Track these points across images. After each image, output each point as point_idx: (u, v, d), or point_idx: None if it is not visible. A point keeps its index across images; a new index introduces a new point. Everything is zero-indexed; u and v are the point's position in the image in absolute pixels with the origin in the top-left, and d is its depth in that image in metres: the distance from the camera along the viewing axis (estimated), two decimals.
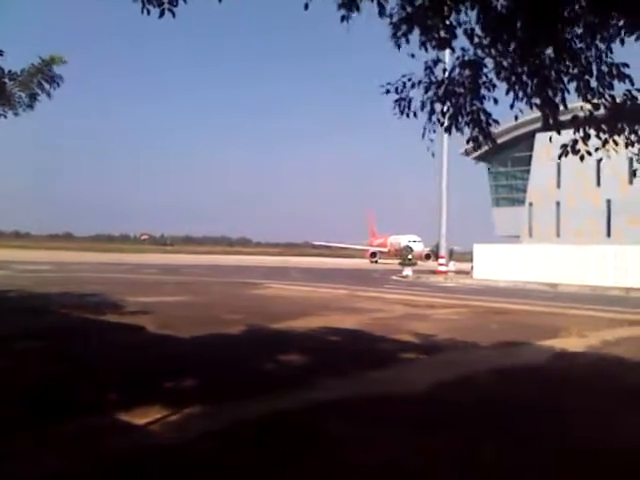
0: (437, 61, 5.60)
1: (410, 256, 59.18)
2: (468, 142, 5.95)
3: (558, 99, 5.41)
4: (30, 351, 9.38)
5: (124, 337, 11.26)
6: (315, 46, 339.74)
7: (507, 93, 5.47)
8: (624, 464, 5.12)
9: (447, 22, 5.25)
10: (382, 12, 5.12)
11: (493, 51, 5.40)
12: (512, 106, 5.49)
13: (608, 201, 42.12)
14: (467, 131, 5.87)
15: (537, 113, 5.72)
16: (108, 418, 5.87)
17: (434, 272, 43.89)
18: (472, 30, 5.28)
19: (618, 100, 5.37)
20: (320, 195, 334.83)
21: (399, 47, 5.35)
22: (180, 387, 7.38)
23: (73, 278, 28.17)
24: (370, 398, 7.00)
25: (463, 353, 10.68)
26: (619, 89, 5.34)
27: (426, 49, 5.33)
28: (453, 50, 5.54)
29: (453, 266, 46.41)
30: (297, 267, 52.76)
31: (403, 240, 73.75)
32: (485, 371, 8.83)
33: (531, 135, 44.49)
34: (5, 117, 9.03)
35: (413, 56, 5.42)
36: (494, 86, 5.60)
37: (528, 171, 48.81)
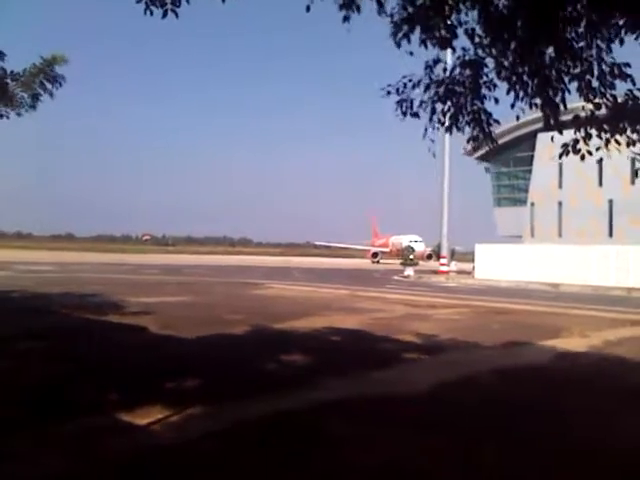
0: (437, 60, 5.60)
1: (412, 256, 59.03)
2: (469, 142, 5.95)
3: (559, 99, 5.40)
4: (32, 351, 9.39)
5: (126, 337, 11.27)
6: (317, 46, 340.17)
7: (508, 93, 5.47)
8: (625, 464, 5.12)
9: (448, 22, 5.25)
10: (381, 11, 5.12)
11: (494, 51, 5.39)
12: (513, 106, 5.49)
13: (610, 201, 42.11)
14: (468, 131, 5.87)
15: (539, 113, 5.72)
16: (109, 418, 5.87)
17: (436, 272, 43.86)
18: (473, 30, 5.28)
19: (619, 100, 5.36)
20: (321, 195, 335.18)
21: (399, 46, 5.35)
22: (182, 387, 7.38)
23: (75, 278, 28.20)
24: (372, 398, 7.00)
25: (465, 353, 10.67)
26: (620, 89, 5.34)
27: (426, 46, 5.33)
28: (454, 50, 5.54)
29: (455, 266, 46.37)
30: (298, 267, 52.76)
31: (404, 240, 73.70)
32: (487, 371, 8.82)
33: (533, 135, 44.50)
34: (7, 118, 9.03)
35: (412, 54, 5.42)
36: (495, 86, 5.60)
37: (530, 171, 48.81)
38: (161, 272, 37.44)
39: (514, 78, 5.41)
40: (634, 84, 5.23)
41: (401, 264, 52.68)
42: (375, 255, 79.17)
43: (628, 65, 5.19)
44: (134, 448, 5.10)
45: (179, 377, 7.75)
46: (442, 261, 45.23)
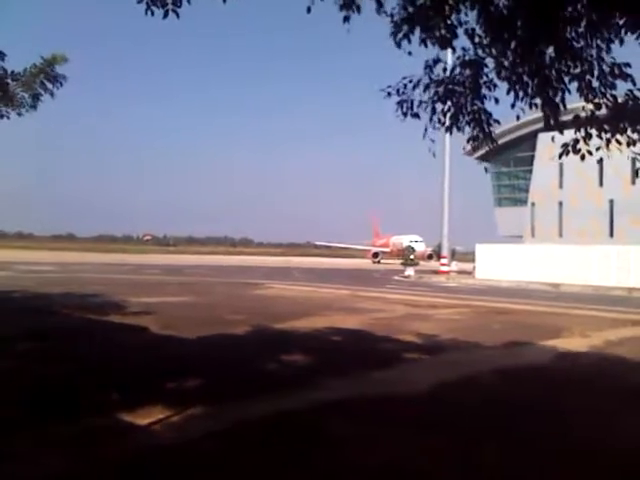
0: (437, 60, 5.60)
1: (412, 256, 58.94)
2: (469, 142, 5.95)
3: (558, 99, 5.41)
4: (33, 351, 9.40)
5: (127, 337, 11.27)
6: (318, 46, 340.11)
7: (508, 93, 5.47)
8: (626, 465, 5.12)
9: (448, 21, 5.25)
10: (380, 10, 5.12)
11: (494, 51, 5.39)
12: (513, 106, 5.50)
13: (611, 201, 42.11)
14: (468, 131, 5.87)
15: (539, 113, 5.72)
16: (110, 418, 5.87)
17: (436, 272, 43.85)
18: (473, 30, 5.29)
19: (620, 100, 5.36)
20: (322, 195, 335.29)
21: (399, 46, 5.35)
22: (183, 387, 7.38)
23: (76, 278, 28.21)
24: (373, 398, 7.00)
25: (466, 353, 10.67)
26: (620, 89, 5.34)
27: (426, 45, 5.33)
28: (454, 50, 5.54)
29: (455, 266, 46.36)
30: (299, 267, 52.77)
31: (405, 240, 73.56)
32: (488, 371, 8.82)
33: (533, 135, 44.53)
34: (8, 118, 9.03)
35: (410, 54, 5.42)
36: (495, 86, 5.60)
37: (530, 171, 48.82)
38: (162, 272, 37.45)
39: (514, 78, 5.41)
40: (634, 84, 5.23)
41: (402, 264, 52.62)
42: (376, 255, 79.12)
43: (628, 65, 5.19)
44: (135, 448, 5.10)
45: (180, 377, 7.76)
46: (443, 261, 45.22)
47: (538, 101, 5.50)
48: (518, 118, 5.78)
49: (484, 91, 5.64)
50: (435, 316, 16.55)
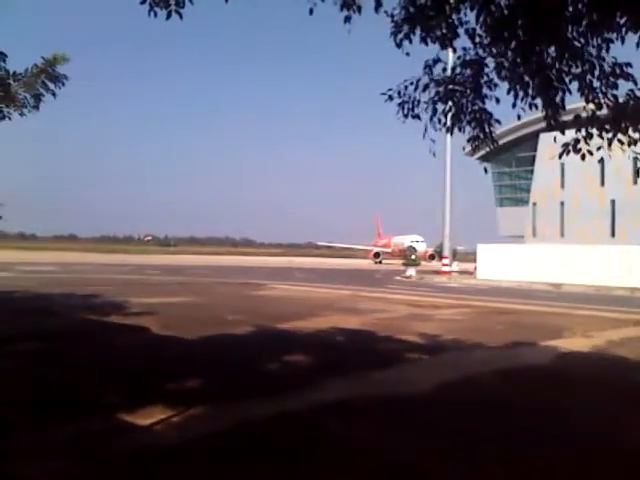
0: (437, 60, 5.58)
1: (413, 256, 59.02)
2: (469, 142, 5.94)
3: (559, 99, 5.39)
4: (34, 352, 9.40)
5: (128, 338, 11.28)
6: (319, 46, 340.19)
7: (508, 93, 5.46)
8: (629, 465, 5.11)
9: (449, 21, 5.24)
10: (378, 8, 5.10)
11: (494, 50, 5.38)
12: (514, 105, 5.48)
13: (612, 201, 42.04)
14: (469, 131, 5.86)
15: (540, 113, 5.71)
16: (111, 419, 5.87)
17: (438, 272, 43.82)
18: (473, 30, 5.27)
19: (621, 100, 5.35)
20: (323, 196, 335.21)
21: (399, 46, 5.34)
22: (184, 388, 7.38)
23: (77, 279, 28.23)
24: (375, 399, 6.99)
25: (468, 353, 10.65)
26: (621, 89, 5.33)
27: (427, 44, 5.32)
28: (455, 50, 5.53)
29: (457, 266, 46.36)
30: (300, 268, 52.75)
31: (406, 240, 73.55)
32: (490, 372, 8.81)
33: (535, 135, 44.48)
34: (10, 119, 9.02)
35: (408, 54, 5.41)
36: (495, 85, 5.58)
37: (532, 171, 48.76)
38: (163, 273, 37.47)
39: (515, 78, 5.40)
40: (636, 84, 5.21)
41: (403, 264, 52.66)
42: (377, 255, 79.03)
43: (630, 65, 5.17)
44: (135, 448, 5.09)
45: (181, 377, 7.76)
46: (444, 261, 45.20)
47: (538, 101, 5.48)
48: (519, 118, 5.76)
49: (485, 91, 5.62)
50: (437, 316, 16.54)
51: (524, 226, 48.27)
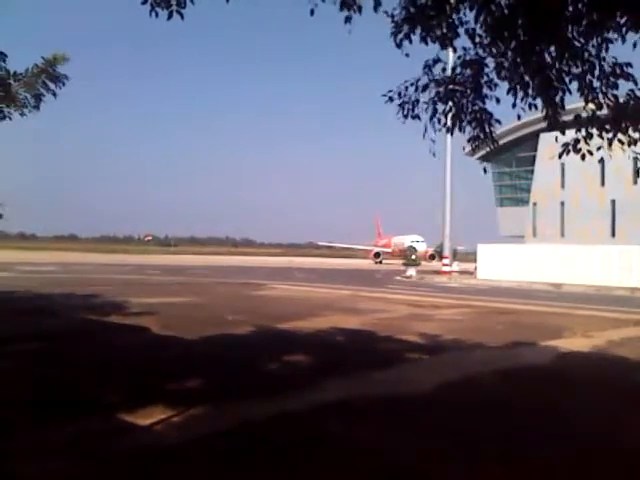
0: (437, 60, 5.58)
1: (414, 256, 59.01)
2: (469, 142, 5.94)
3: (558, 99, 5.39)
4: (35, 352, 9.40)
5: (128, 338, 11.28)
6: (319, 46, 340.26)
7: (508, 93, 5.46)
8: (629, 465, 5.11)
9: (449, 21, 5.24)
10: (377, 7, 5.10)
11: (494, 50, 5.38)
12: (514, 105, 5.48)
13: (612, 201, 42.04)
14: (469, 131, 5.86)
15: (540, 113, 5.70)
16: (111, 419, 5.87)
17: (438, 272, 43.82)
18: (474, 29, 5.27)
19: (621, 100, 5.35)
20: (324, 196, 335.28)
21: (400, 46, 5.34)
22: (184, 388, 7.38)
23: (77, 279, 28.23)
24: (375, 399, 6.99)
25: (468, 353, 10.65)
26: (622, 88, 5.33)
27: (427, 43, 5.32)
28: (455, 50, 5.53)
29: (457, 266, 46.37)
30: (301, 268, 52.76)
31: (406, 240, 73.53)
32: (490, 372, 8.80)
33: (535, 135, 44.46)
34: (10, 119, 9.02)
35: (407, 55, 5.41)
36: (496, 85, 5.58)
37: (532, 171, 48.75)
38: (163, 273, 37.46)
39: (515, 78, 5.40)
40: (636, 84, 5.21)
41: (403, 264, 52.65)
42: (377, 255, 78.99)
43: (630, 65, 5.17)
44: (136, 448, 5.09)
45: (181, 378, 7.76)
46: (444, 261, 45.20)
47: (538, 101, 5.48)
48: (519, 118, 5.76)
49: (485, 91, 5.62)
50: (437, 316, 16.54)
51: (524, 226, 48.26)
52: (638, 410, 6.97)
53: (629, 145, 5.60)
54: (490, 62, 5.50)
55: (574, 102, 5.52)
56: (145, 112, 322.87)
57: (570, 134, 5.55)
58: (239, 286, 27.05)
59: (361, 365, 8.91)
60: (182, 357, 9.39)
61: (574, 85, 5.36)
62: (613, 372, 9.28)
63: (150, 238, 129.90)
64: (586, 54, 5.18)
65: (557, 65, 5.25)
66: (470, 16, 5.22)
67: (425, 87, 5.62)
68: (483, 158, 49.71)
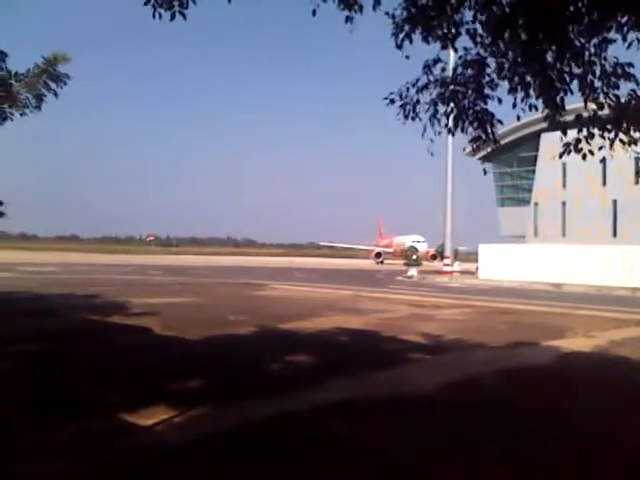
0: (437, 60, 5.58)
1: (415, 256, 58.91)
2: (471, 142, 5.94)
3: (559, 99, 5.39)
4: (36, 353, 9.40)
5: (130, 338, 11.28)
6: (321, 46, 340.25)
7: (509, 93, 5.46)
8: (630, 465, 5.11)
9: (450, 21, 5.24)
10: (376, 6, 5.10)
11: (495, 50, 5.38)
12: (514, 105, 5.48)
13: (614, 201, 42.01)
14: (471, 131, 5.86)
15: (541, 114, 5.70)
16: (113, 419, 5.87)
17: (439, 272, 43.80)
18: (475, 29, 5.27)
19: (622, 100, 5.34)
20: (325, 196, 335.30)
21: (400, 47, 5.35)
22: (186, 388, 7.38)
23: (79, 280, 28.24)
24: (378, 399, 6.99)
25: (470, 354, 10.65)
26: (623, 88, 5.33)
27: (428, 42, 5.32)
28: (456, 50, 5.53)
29: (458, 266, 46.34)
30: (302, 268, 52.77)
31: (408, 240, 73.48)
32: (492, 372, 8.80)
33: (536, 135, 44.40)
34: (12, 119, 9.01)
35: (407, 57, 5.42)
36: (497, 85, 5.58)
37: (533, 171, 48.71)
38: (165, 273, 37.48)
39: (516, 78, 5.40)
40: (637, 84, 5.21)
41: (404, 264, 52.59)
42: (378, 255, 78.92)
43: (631, 65, 5.17)
44: (138, 449, 5.10)
45: (183, 378, 7.76)
46: (446, 261, 45.18)
47: (539, 102, 5.48)
48: (519, 118, 5.76)
49: (487, 91, 5.62)
50: (439, 316, 16.53)
51: (526, 226, 48.23)
52: (639, 410, 6.96)
53: (629, 144, 5.60)
54: (491, 62, 5.50)
55: (575, 102, 5.51)
56: (146, 112, 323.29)
57: (571, 134, 5.55)
58: (240, 286, 27.06)
59: (364, 365, 8.91)
60: (184, 357, 9.39)
61: (575, 85, 5.37)
62: (615, 372, 9.27)
63: (152, 238, 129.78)
64: (587, 54, 5.18)
65: (558, 65, 5.25)
66: (471, 16, 5.23)
67: (424, 87, 5.62)
68: (484, 158, 49.58)
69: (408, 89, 5.67)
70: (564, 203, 45.26)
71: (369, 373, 8.41)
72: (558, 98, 5.38)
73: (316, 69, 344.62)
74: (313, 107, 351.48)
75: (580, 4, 4.97)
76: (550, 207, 46.06)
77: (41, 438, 5.26)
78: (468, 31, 5.33)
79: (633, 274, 30.93)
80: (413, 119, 5.75)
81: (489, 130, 5.80)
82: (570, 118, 5.60)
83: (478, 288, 31.21)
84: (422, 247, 71.00)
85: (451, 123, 5.77)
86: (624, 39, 5.00)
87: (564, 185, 45.15)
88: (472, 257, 49.18)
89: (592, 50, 5.18)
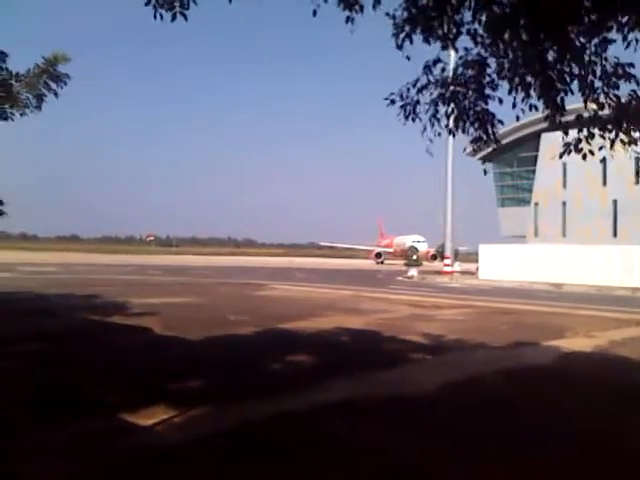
0: (437, 60, 5.58)
1: (415, 257, 58.90)
2: (472, 143, 5.93)
3: (560, 99, 5.39)
4: (36, 353, 9.40)
5: (130, 338, 11.28)
6: (322, 46, 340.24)
7: (509, 93, 5.45)
8: (631, 465, 5.10)
9: (450, 21, 5.24)
10: (376, 6, 5.10)
11: (496, 50, 5.38)
12: (514, 105, 5.47)
13: (614, 201, 42.01)
14: (472, 132, 5.85)
15: (541, 114, 5.70)
16: (113, 419, 5.87)
17: (439, 273, 43.79)
18: (475, 29, 5.27)
19: (623, 100, 5.34)
20: (326, 196, 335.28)
21: (400, 48, 5.34)
22: (186, 388, 7.38)
23: (79, 280, 28.24)
24: (378, 399, 6.98)
25: (471, 354, 10.64)
26: (623, 89, 5.32)
27: (429, 43, 5.32)
28: (457, 50, 5.53)
29: (459, 267, 46.35)
30: (302, 268, 52.76)
31: (408, 240, 73.45)
32: (493, 372, 8.80)
33: (536, 135, 44.41)
34: (12, 120, 9.01)
35: (408, 59, 5.42)
36: (497, 85, 5.58)
37: (533, 171, 48.71)
38: (165, 273, 37.47)
39: (517, 79, 5.39)
40: (638, 84, 5.21)
41: (405, 265, 52.57)
42: (379, 255, 78.90)
43: (632, 65, 5.17)
44: (138, 449, 5.10)
45: (183, 378, 7.76)
46: (446, 262, 45.17)
47: (539, 102, 5.48)
48: (518, 119, 5.76)
49: (488, 91, 5.62)
50: (439, 317, 16.53)
51: (526, 226, 48.23)
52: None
53: (629, 144, 5.61)
54: (492, 62, 5.50)
55: (576, 102, 5.51)
56: (146, 112, 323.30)
57: (572, 134, 5.55)
58: (240, 286, 27.06)
59: (364, 365, 8.91)
60: (184, 357, 9.39)
61: (575, 85, 5.36)
62: (615, 372, 9.27)
63: (152, 238, 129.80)
64: (588, 54, 5.18)
65: (559, 65, 5.24)
66: (471, 16, 5.22)
67: (424, 87, 5.62)
68: (484, 158, 49.45)
69: (409, 89, 5.67)
70: (564, 203, 45.26)
71: (370, 373, 8.40)
72: (558, 98, 5.38)
73: (316, 69, 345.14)
74: (313, 107, 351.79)
75: (581, 4, 4.96)
76: (550, 207, 46.06)
77: (41, 438, 5.26)
78: (469, 31, 5.33)
79: (633, 274, 30.93)
80: (414, 120, 5.75)
81: (490, 130, 5.80)
82: (570, 118, 5.60)
83: (478, 288, 31.20)
84: (422, 247, 70.97)
85: (452, 124, 5.77)
86: (624, 39, 5.00)
87: (564, 185, 45.16)
88: (472, 257, 49.17)
89: (592, 50, 5.17)
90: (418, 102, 5.70)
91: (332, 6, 5.19)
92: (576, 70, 5.27)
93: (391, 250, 79.28)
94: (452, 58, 5.84)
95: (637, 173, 34.73)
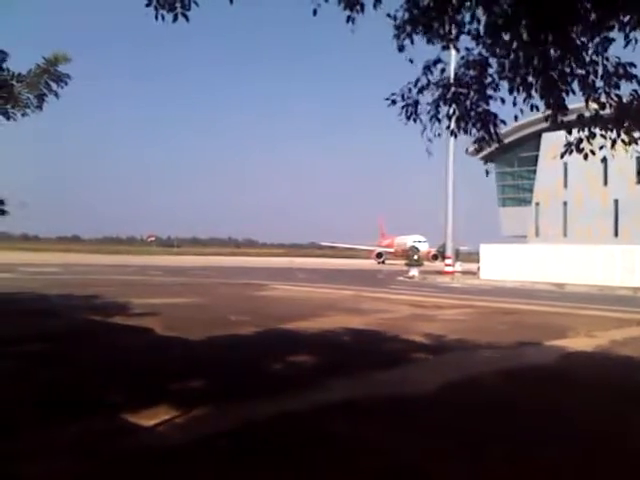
0: (437, 61, 5.58)
1: (416, 257, 58.92)
2: (475, 143, 5.93)
3: (561, 99, 5.39)
4: (38, 353, 9.41)
5: (132, 339, 11.29)
6: (323, 46, 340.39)
7: (511, 93, 5.45)
8: (633, 465, 5.10)
9: (451, 21, 5.24)
10: (376, 5, 5.10)
11: (497, 50, 5.38)
12: (514, 104, 5.47)
13: (615, 201, 41.98)
14: (474, 132, 5.85)
15: (542, 114, 5.70)
16: (115, 419, 5.88)
17: (440, 273, 43.76)
18: (476, 30, 5.27)
19: (624, 99, 5.34)
20: (326, 196, 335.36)
21: (401, 49, 5.35)
22: (188, 388, 7.38)
23: (80, 280, 28.25)
24: (379, 399, 6.98)
25: (472, 354, 10.64)
26: (625, 88, 5.32)
27: (432, 43, 5.32)
28: (458, 50, 5.53)
29: (460, 266, 46.29)
30: (303, 268, 52.76)
31: (409, 240, 73.46)
32: (494, 372, 8.79)
33: (537, 135, 44.39)
34: (15, 120, 9.01)
35: (412, 61, 5.43)
36: (498, 85, 5.58)
37: (534, 171, 48.68)
38: (166, 273, 37.47)
39: (518, 79, 5.39)
40: (639, 84, 5.21)
41: (406, 265, 52.58)
42: (380, 255, 78.90)
43: (633, 65, 5.16)
44: (140, 449, 5.10)
45: (185, 378, 7.76)
46: (447, 261, 45.15)
47: (539, 102, 5.48)
48: (516, 119, 5.77)
49: (489, 91, 5.62)
50: (440, 317, 16.52)
51: (527, 226, 48.21)
52: None
53: (629, 144, 5.60)
54: (493, 63, 5.50)
55: (577, 102, 5.51)
56: (147, 112, 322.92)
57: (573, 133, 5.55)
58: (241, 287, 27.07)
59: (366, 365, 8.91)
60: (185, 358, 9.40)
61: (576, 85, 5.36)
62: (617, 372, 9.26)
63: (153, 239, 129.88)
64: (589, 54, 5.18)
65: (560, 65, 5.24)
66: (472, 16, 5.22)
67: (423, 88, 5.62)
68: (486, 158, 49.59)
69: (410, 90, 5.67)
70: (565, 203, 45.24)
71: (371, 373, 8.41)
72: (560, 98, 5.37)
73: (317, 69, 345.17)
74: (314, 107, 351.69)
75: (582, 4, 4.96)
76: (551, 207, 46.04)
77: (44, 438, 5.26)
78: (469, 31, 5.33)
79: (635, 274, 30.92)
80: (415, 120, 5.75)
81: (492, 131, 5.79)
82: (571, 118, 5.59)
83: (480, 288, 31.20)
84: (423, 247, 70.99)
85: (453, 125, 5.77)
86: (626, 38, 4.99)
87: (565, 185, 45.13)
88: (473, 257, 49.13)
89: (594, 50, 5.17)
90: (419, 102, 5.70)
91: (333, 6, 5.20)
92: (577, 70, 5.27)
93: (392, 250, 79.27)
94: (453, 58, 5.84)
95: (638, 173, 34.68)
